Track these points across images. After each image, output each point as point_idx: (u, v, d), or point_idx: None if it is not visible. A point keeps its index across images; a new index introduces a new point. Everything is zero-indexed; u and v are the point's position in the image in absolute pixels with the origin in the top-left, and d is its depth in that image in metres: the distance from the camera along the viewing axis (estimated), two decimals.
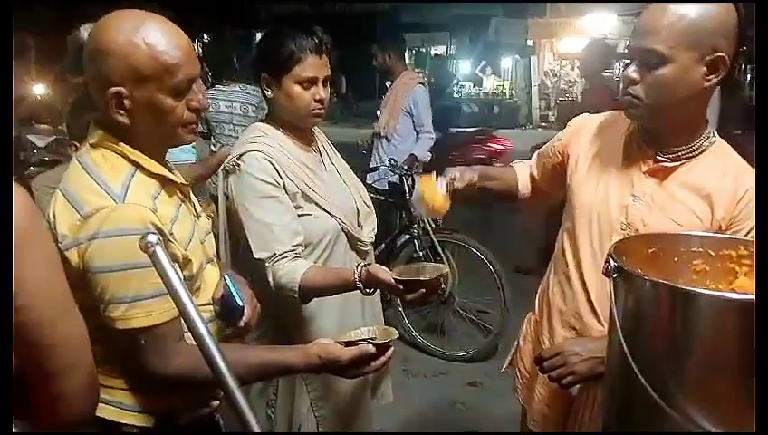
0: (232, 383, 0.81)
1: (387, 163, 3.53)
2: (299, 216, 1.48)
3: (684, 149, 1.20)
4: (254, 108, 3.55)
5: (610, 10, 11.27)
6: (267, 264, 1.42)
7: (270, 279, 1.42)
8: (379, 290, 1.55)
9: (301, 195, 1.48)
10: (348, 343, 1.12)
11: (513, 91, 14.68)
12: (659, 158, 1.21)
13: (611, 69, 3.90)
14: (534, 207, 1.57)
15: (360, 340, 1.12)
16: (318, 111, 1.50)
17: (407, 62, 4.13)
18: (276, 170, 1.45)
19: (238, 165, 1.45)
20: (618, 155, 1.27)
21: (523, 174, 1.56)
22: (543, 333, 1.41)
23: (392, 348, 1.14)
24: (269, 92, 1.51)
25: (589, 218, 1.28)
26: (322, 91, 1.49)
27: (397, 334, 1.16)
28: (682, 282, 1.00)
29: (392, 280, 1.36)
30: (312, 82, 1.47)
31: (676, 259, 1.04)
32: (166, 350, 1.02)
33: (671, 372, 0.86)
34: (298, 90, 1.46)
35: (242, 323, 1.16)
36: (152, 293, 0.98)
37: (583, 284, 1.29)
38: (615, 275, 0.91)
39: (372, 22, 14.26)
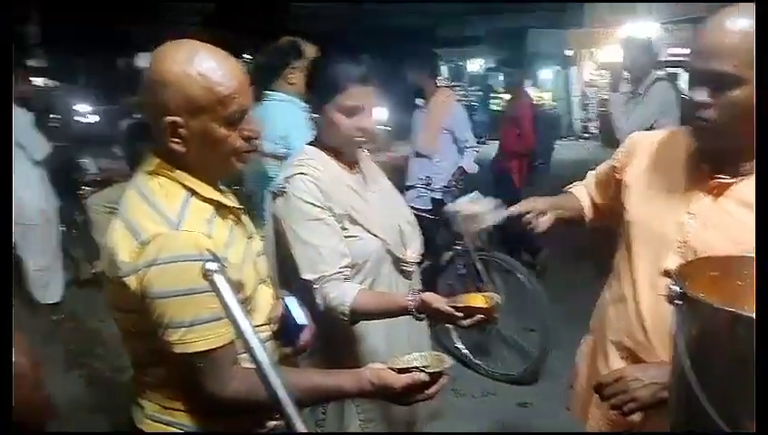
0: (290, 406, 0.83)
1: (424, 181, 3.54)
2: (346, 237, 1.49)
3: (742, 166, 1.16)
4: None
5: (653, 18, 11.05)
6: (315, 286, 1.43)
7: (319, 301, 1.43)
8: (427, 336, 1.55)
9: (346, 217, 1.50)
10: (401, 370, 1.11)
11: (554, 103, 14.51)
12: (717, 176, 1.18)
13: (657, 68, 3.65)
14: (598, 229, 1.54)
15: (413, 367, 1.11)
16: (359, 139, 1.51)
17: (444, 76, 4.14)
18: (322, 193, 1.47)
19: (285, 188, 1.47)
20: (676, 174, 1.24)
21: (584, 198, 1.55)
22: (599, 354, 1.38)
23: (445, 377, 1.13)
24: (315, 116, 1.53)
25: (645, 237, 1.26)
26: (365, 121, 1.49)
27: (450, 363, 1.15)
28: (747, 308, 0.97)
29: (448, 308, 1.35)
30: (355, 110, 1.47)
31: (740, 283, 1.01)
32: (222, 373, 1.04)
33: (737, 399, 0.82)
34: (340, 118, 1.47)
35: (302, 343, 1.17)
36: (209, 317, 1.00)
37: (637, 304, 1.26)
38: (678, 301, 0.88)
39: (406, 38, 14.35)
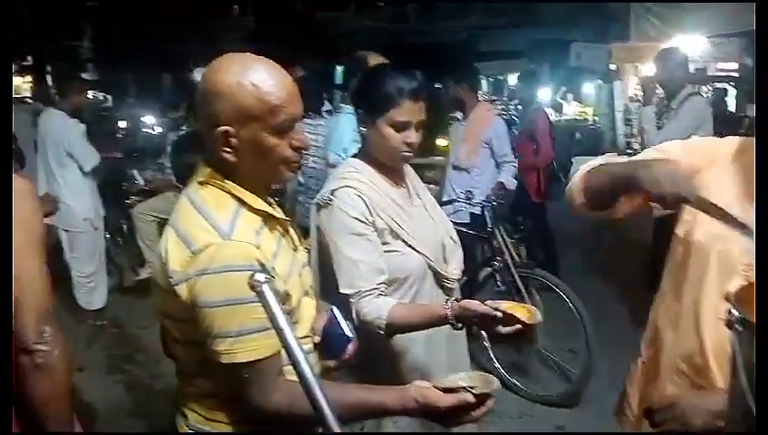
0: (333, 421, 0.82)
1: (462, 195, 3.51)
2: (386, 252, 1.49)
3: None
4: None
5: (700, 32, 10.78)
6: (351, 300, 1.44)
7: (354, 315, 1.43)
8: (465, 351, 1.53)
9: (389, 232, 1.50)
10: (446, 390, 1.09)
11: (596, 117, 14.29)
12: None
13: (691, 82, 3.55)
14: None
15: (459, 387, 1.09)
16: (406, 153, 1.52)
17: (484, 90, 4.14)
18: (367, 207, 1.47)
19: (331, 200, 1.48)
20: (746, 190, 1.16)
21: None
22: (651, 377, 1.33)
23: (492, 399, 1.10)
24: (363, 129, 1.54)
25: (707, 258, 1.20)
26: (413, 136, 1.50)
27: (497, 384, 1.11)
28: None
29: (488, 310, 1.32)
30: (405, 126, 1.48)
31: None
32: (267, 384, 1.05)
33: None
34: (390, 132, 1.48)
35: (347, 355, 1.17)
36: (256, 328, 1.01)
37: (697, 326, 1.20)
38: (737, 326, 0.84)
39: (446, 52, 14.37)
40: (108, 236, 4.51)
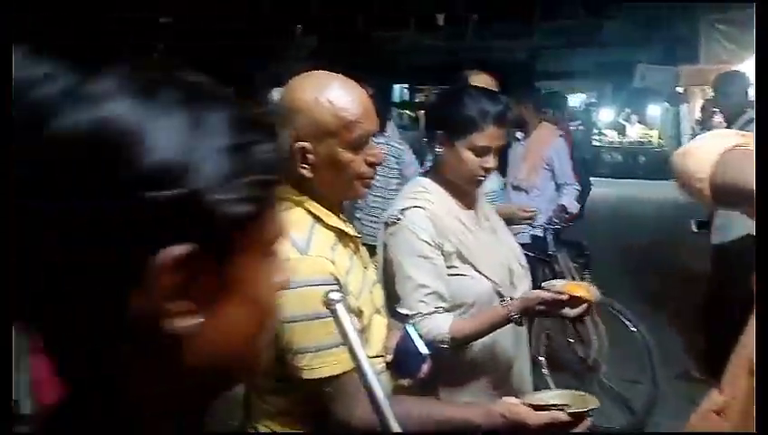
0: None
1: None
2: (453, 275, 1.48)
3: None
4: (396, 160, 3.66)
5: None
6: (411, 321, 1.42)
7: None
8: (526, 347, 1.49)
9: (457, 255, 1.48)
10: (537, 407, 1.04)
11: (661, 140, 13.84)
12: None
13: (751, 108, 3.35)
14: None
15: (551, 405, 1.04)
16: (482, 178, 1.50)
17: (544, 111, 4.06)
18: (436, 230, 1.46)
19: (399, 219, 1.47)
20: None
21: None
22: (731, 417, 1.24)
23: (589, 420, 1.05)
24: (440, 150, 1.52)
25: None
26: (492, 161, 1.48)
27: (597, 404, 1.07)
28: None
29: (554, 295, 1.33)
30: (485, 151, 1.46)
31: None
32: (349, 399, 1.04)
33: None
34: (469, 156, 1.47)
35: (422, 374, 1.16)
36: (334, 343, 1.01)
37: None
38: None
39: (505, 71, 14.26)
40: None
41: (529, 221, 3.13)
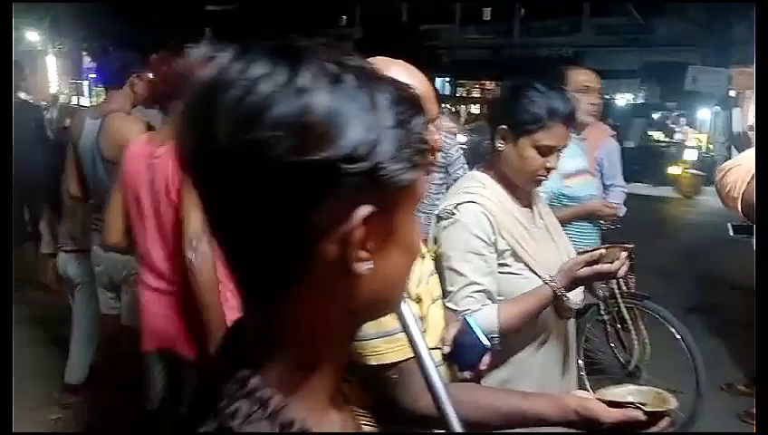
0: (457, 426, 0.80)
1: None
2: (505, 274, 1.44)
3: None
4: (444, 154, 3.62)
5: None
6: (457, 317, 1.39)
7: None
8: (575, 356, 1.45)
9: (510, 253, 1.44)
10: (612, 404, 0.99)
11: (711, 145, 13.41)
12: None
13: None
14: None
15: (627, 402, 0.99)
16: (542, 177, 1.46)
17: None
18: (491, 226, 1.42)
19: (453, 214, 1.43)
20: None
21: None
22: None
23: (668, 419, 0.99)
24: (500, 145, 1.47)
25: None
26: (555, 161, 1.43)
27: (676, 403, 1.00)
28: None
29: (590, 252, 1.35)
30: (550, 150, 1.42)
31: None
32: (414, 386, 1.02)
33: None
34: (532, 154, 1.42)
35: (482, 366, 1.14)
36: (396, 329, 0.99)
37: None
38: None
39: (554, 68, 14.02)
40: None
41: (613, 217, 3.03)
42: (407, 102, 0.49)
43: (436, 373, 0.80)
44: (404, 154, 0.47)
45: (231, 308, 1.76)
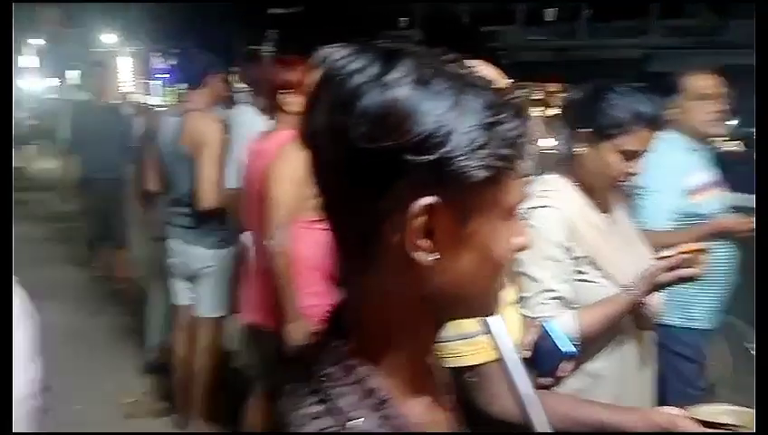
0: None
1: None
2: (581, 280, 1.41)
3: None
4: None
5: None
6: (532, 324, 1.37)
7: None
8: (653, 370, 1.44)
9: (587, 261, 1.41)
10: (704, 423, 0.94)
11: None
12: None
13: None
14: None
15: (721, 423, 0.94)
16: (623, 183, 1.43)
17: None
18: (567, 232, 1.39)
19: (526, 218, 1.40)
20: None
21: None
22: None
23: None
24: (580, 149, 1.44)
25: None
26: (637, 166, 1.39)
27: None
28: None
29: (669, 256, 1.32)
30: (633, 155, 1.38)
31: None
32: (492, 389, 1.03)
33: None
34: (615, 159, 1.39)
35: (563, 372, 1.12)
36: (478, 331, 0.99)
37: None
38: None
39: (619, 69, 13.61)
40: None
41: (748, 233, 2.76)
42: (501, 108, 0.51)
43: (524, 378, 0.79)
44: (480, 154, 0.49)
45: (313, 294, 1.87)
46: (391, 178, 0.49)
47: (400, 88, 0.48)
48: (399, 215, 0.49)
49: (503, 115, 0.51)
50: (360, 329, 0.55)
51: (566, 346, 1.11)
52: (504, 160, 0.51)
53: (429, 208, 0.49)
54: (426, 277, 0.51)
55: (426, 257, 0.50)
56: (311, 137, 0.52)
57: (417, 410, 0.56)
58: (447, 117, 0.48)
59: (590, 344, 1.38)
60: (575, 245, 1.40)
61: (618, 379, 1.45)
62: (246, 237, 2.38)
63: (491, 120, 0.50)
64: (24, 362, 0.75)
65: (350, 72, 0.50)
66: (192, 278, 2.73)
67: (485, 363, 1.01)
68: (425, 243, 0.50)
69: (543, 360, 1.13)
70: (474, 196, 0.50)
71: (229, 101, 3.48)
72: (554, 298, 1.37)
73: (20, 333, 0.75)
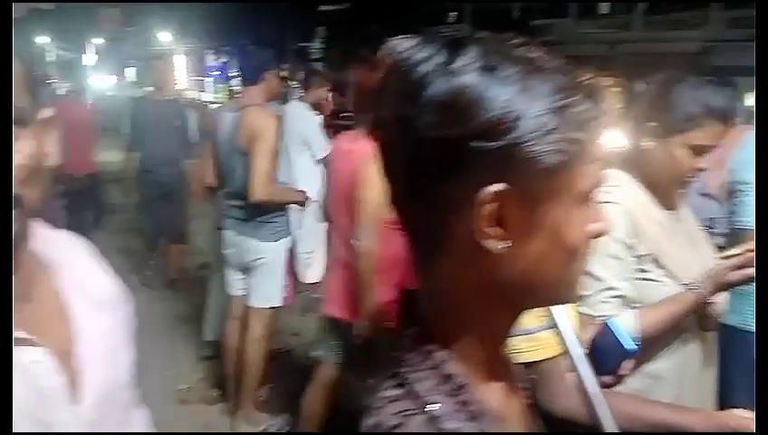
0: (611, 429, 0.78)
1: (709, 224, 3.15)
2: (645, 279, 1.37)
3: None
4: None
5: None
6: (591, 322, 1.35)
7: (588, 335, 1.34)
8: (715, 373, 1.38)
9: (651, 259, 1.37)
10: None
11: None
12: None
13: None
14: None
15: None
16: (691, 179, 1.38)
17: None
18: (631, 229, 1.35)
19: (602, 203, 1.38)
20: None
21: None
22: None
23: None
24: (646, 144, 1.40)
25: None
26: (707, 162, 1.34)
27: None
28: None
29: (748, 255, 1.26)
30: (703, 150, 1.33)
31: None
32: (553, 386, 1.03)
33: None
34: (683, 154, 1.34)
35: (623, 371, 1.11)
36: (538, 327, 1.00)
37: None
38: None
39: (678, 65, 13.12)
40: None
41: None
42: (572, 92, 0.50)
43: (591, 376, 0.79)
44: (551, 138, 0.48)
45: (394, 289, 1.89)
46: (459, 166, 0.48)
47: (467, 75, 0.48)
48: (469, 203, 0.49)
49: (574, 98, 0.49)
50: (435, 316, 0.55)
51: (629, 344, 1.09)
52: (577, 144, 0.49)
53: (499, 195, 0.48)
54: (497, 265, 0.51)
55: (496, 245, 0.49)
56: (379, 128, 0.53)
57: (494, 396, 0.56)
58: (515, 102, 0.48)
59: (652, 344, 1.35)
60: (638, 242, 1.36)
61: (678, 380, 1.41)
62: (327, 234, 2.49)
63: (561, 103, 0.49)
64: (123, 347, 0.78)
65: (416, 62, 0.50)
66: (245, 269, 2.80)
67: (545, 360, 1.01)
68: (495, 231, 0.49)
69: (605, 358, 1.11)
70: (545, 181, 0.49)
71: (283, 97, 3.55)
72: (616, 296, 1.34)
73: (119, 317, 0.78)
